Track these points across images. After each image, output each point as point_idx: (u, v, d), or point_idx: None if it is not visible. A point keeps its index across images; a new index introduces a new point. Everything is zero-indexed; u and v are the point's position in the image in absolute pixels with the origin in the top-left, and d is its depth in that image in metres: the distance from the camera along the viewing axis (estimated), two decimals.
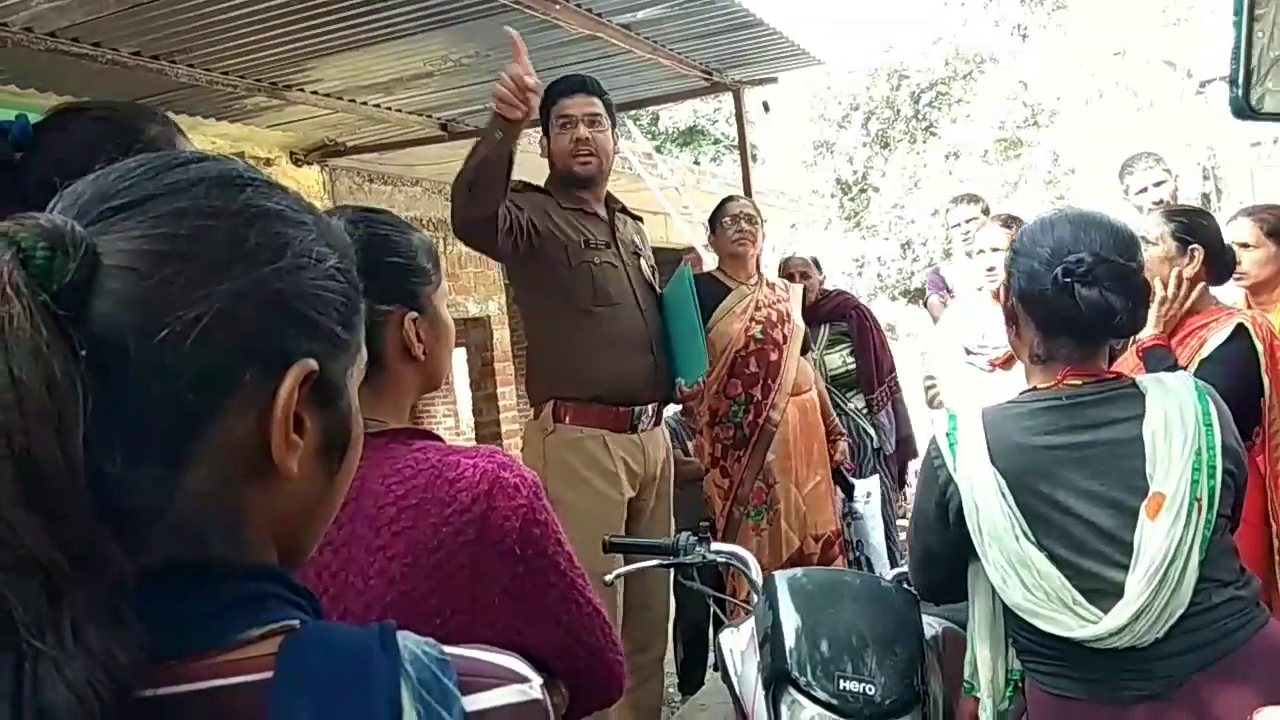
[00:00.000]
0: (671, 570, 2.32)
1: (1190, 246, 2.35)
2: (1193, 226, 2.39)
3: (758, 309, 3.53)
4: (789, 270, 4.39)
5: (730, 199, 3.91)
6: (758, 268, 3.74)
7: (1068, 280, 1.57)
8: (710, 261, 6.88)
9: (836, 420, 3.92)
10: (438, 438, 1.22)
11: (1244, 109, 0.72)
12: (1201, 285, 2.38)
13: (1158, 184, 3.73)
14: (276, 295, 0.57)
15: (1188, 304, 2.35)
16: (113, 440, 0.51)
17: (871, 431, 4.21)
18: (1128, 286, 1.60)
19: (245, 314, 0.55)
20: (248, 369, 0.56)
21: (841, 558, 3.60)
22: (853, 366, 4.21)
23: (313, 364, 0.58)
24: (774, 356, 3.46)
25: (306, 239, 0.60)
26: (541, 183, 2.94)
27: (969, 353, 3.36)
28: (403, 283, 1.24)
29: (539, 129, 3.00)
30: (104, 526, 0.50)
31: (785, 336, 3.50)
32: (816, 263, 4.63)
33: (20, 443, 0.47)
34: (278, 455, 0.57)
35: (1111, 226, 1.67)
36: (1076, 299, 1.57)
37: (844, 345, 4.29)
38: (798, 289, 3.80)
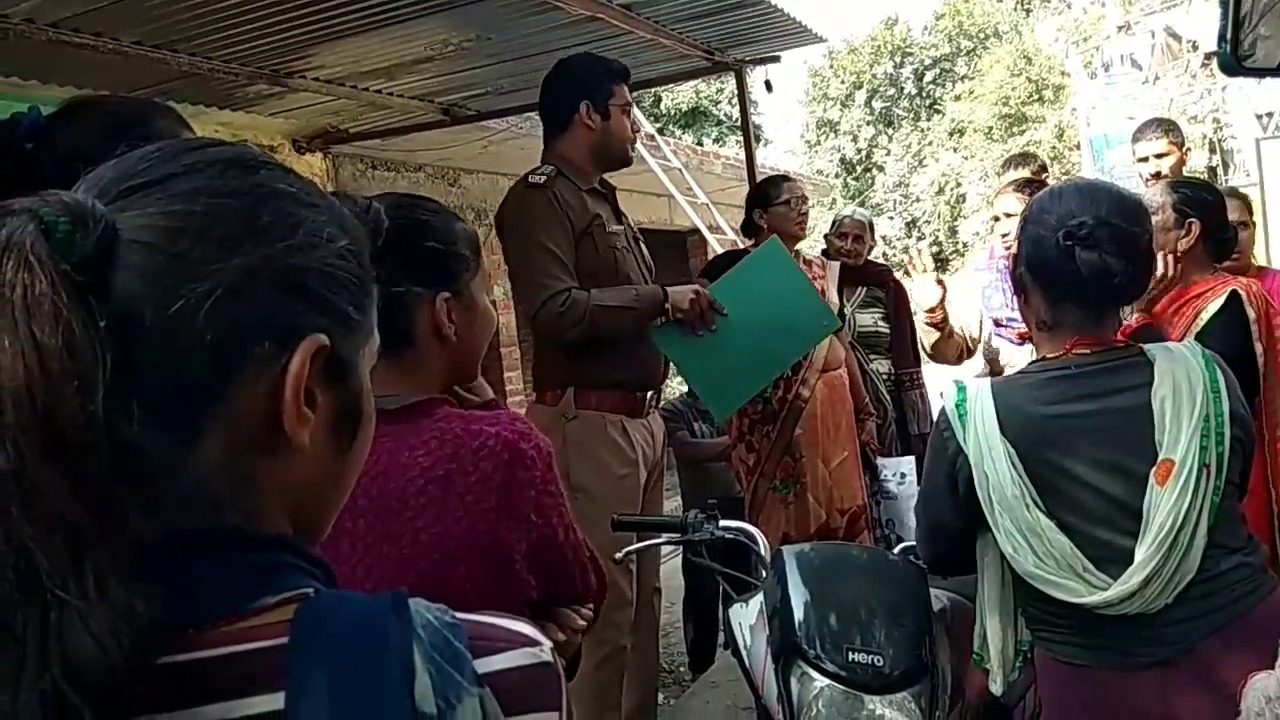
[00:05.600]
0: (682, 549, 2.34)
1: (1188, 220, 2.34)
2: (1194, 200, 2.37)
3: None
4: (841, 229, 4.27)
5: (785, 178, 3.89)
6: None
7: (1069, 244, 1.58)
8: (715, 244, 6.90)
9: (866, 399, 3.90)
10: (453, 402, 1.29)
11: (1232, 65, 0.72)
12: (1199, 258, 2.37)
13: (1159, 155, 3.68)
14: (288, 271, 0.59)
15: (1178, 280, 2.34)
16: (130, 406, 0.53)
17: (888, 397, 4.15)
18: (1129, 250, 1.60)
19: (258, 288, 0.58)
20: (260, 341, 0.58)
21: (867, 532, 3.61)
22: (884, 330, 4.12)
23: (324, 339, 0.60)
24: None
25: (318, 219, 0.62)
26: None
27: (998, 325, 3.35)
28: (439, 266, 1.30)
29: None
30: (123, 489, 0.51)
31: None
32: (871, 226, 4.47)
33: (44, 402, 0.49)
34: (289, 427, 0.58)
35: (1119, 195, 1.68)
36: (1077, 262, 1.57)
37: (877, 309, 4.19)
38: (834, 266, 3.79)
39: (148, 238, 0.55)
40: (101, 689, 0.48)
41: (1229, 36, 0.73)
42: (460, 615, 0.60)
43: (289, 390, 0.58)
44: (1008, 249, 3.32)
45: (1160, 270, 2.27)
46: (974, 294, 3.51)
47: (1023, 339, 3.08)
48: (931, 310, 3.08)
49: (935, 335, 3.21)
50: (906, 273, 3.38)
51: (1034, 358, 1.74)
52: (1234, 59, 0.74)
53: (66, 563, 0.49)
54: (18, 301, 0.50)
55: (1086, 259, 1.58)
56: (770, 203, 3.68)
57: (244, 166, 0.61)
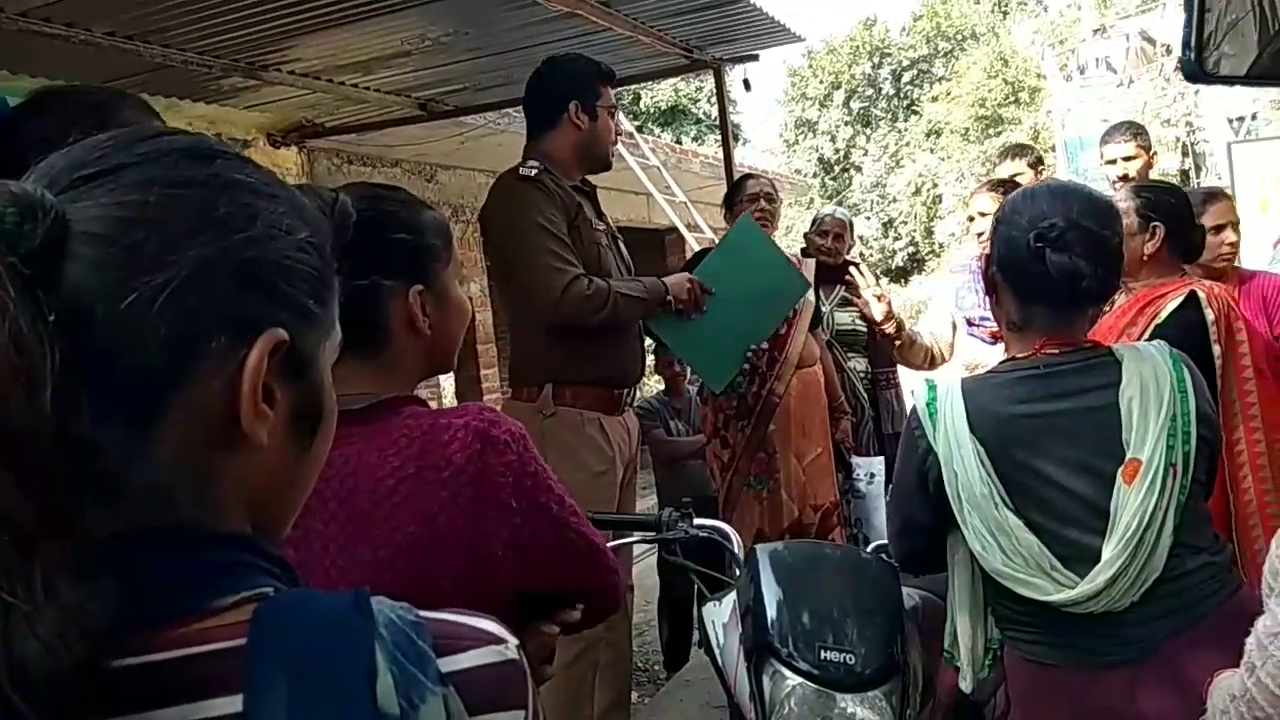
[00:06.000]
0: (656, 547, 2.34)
1: (1152, 224, 2.36)
2: (1156, 203, 2.39)
3: None
4: (822, 227, 4.29)
5: (748, 176, 3.95)
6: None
7: (1039, 245, 1.59)
8: (693, 243, 6.90)
9: (842, 397, 3.91)
10: (423, 402, 1.25)
11: (1196, 73, 0.72)
12: (1164, 261, 2.38)
13: (1127, 158, 3.71)
14: (245, 264, 0.58)
15: (1142, 282, 2.36)
16: (81, 402, 0.52)
17: (865, 395, 4.16)
18: (1098, 252, 1.61)
19: (213, 281, 0.56)
20: (216, 335, 0.56)
21: (840, 529, 3.62)
22: (861, 328, 4.12)
23: (282, 334, 0.59)
24: (782, 330, 3.47)
25: (276, 211, 0.61)
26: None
27: (970, 324, 3.37)
28: (410, 258, 1.26)
29: (519, 109, 3.01)
30: (74, 486, 0.50)
31: (795, 311, 3.52)
32: (851, 225, 4.50)
33: None
34: (247, 424, 0.57)
35: (1091, 197, 1.69)
36: (1047, 264, 1.59)
37: (855, 308, 4.22)
38: (810, 263, 3.80)
39: (99, 229, 0.54)
40: (49, 694, 0.47)
41: (1193, 44, 0.73)
42: (424, 614, 0.59)
43: (246, 386, 0.57)
44: (983, 248, 3.35)
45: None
46: (947, 296, 3.54)
47: (995, 338, 3.11)
48: (880, 323, 3.17)
49: (894, 344, 3.27)
50: (851, 285, 3.45)
51: (1004, 357, 1.75)
52: (1198, 67, 0.74)
53: (13, 563, 0.47)
54: None
55: (1056, 261, 1.59)
56: (734, 201, 3.79)
57: (200, 156, 0.60)
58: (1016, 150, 4.18)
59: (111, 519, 0.53)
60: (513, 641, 0.62)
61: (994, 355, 3.06)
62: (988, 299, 1.81)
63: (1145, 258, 2.36)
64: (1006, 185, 3.51)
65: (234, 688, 0.52)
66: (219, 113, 4.85)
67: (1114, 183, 3.61)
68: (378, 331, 1.23)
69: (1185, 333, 2.14)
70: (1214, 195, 3.21)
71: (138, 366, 0.54)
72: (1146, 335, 2.16)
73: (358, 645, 0.54)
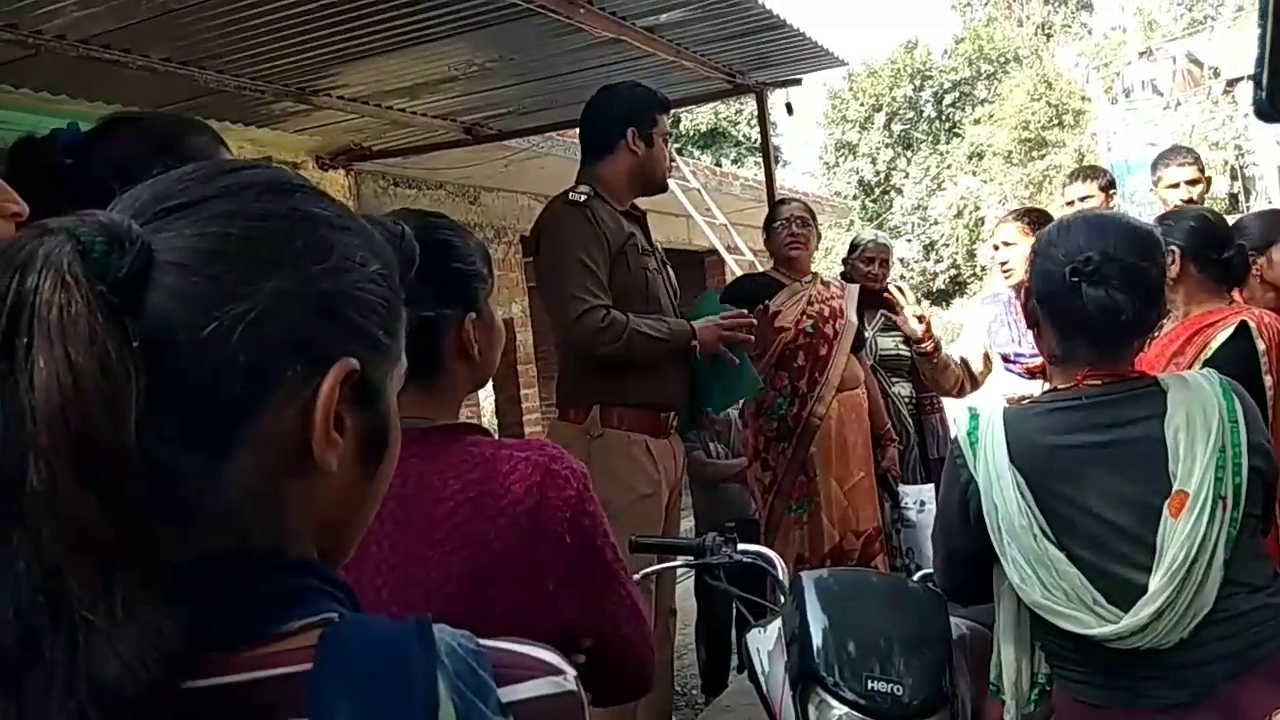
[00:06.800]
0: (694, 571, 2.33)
1: (1168, 247, 2.33)
2: (1174, 228, 2.35)
3: (810, 304, 3.56)
4: (866, 254, 4.20)
5: (783, 201, 3.94)
6: (809, 267, 3.78)
7: (1075, 280, 1.57)
8: (733, 265, 6.90)
9: (889, 425, 3.87)
10: (487, 431, 1.26)
11: (1266, 111, 0.70)
12: (1201, 285, 2.34)
13: (1191, 181, 3.63)
14: (321, 295, 0.59)
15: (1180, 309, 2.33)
16: (161, 428, 0.53)
17: (910, 420, 4.13)
18: (1136, 285, 1.58)
19: (290, 311, 0.57)
20: (291, 365, 0.57)
21: (882, 555, 3.58)
22: (905, 353, 4.09)
23: (354, 363, 0.60)
24: (823, 351, 3.47)
25: (351, 244, 0.62)
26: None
27: (1006, 360, 3.34)
28: (465, 287, 1.28)
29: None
30: (153, 510, 0.51)
31: (836, 332, 3.51)
32: (890, 250, 4.44)
33: (77, 423, 0.49)
34: (318, 451, 0.58)
35: (1128, 227, 1.67)
36: (1084, 298, 1.57)
37: (899, 332, 4.17)
38: (854, 288, 3.79)
39: (183, 259, 0.55)
40: (127, 712, 0.48)
41: (1264, 83, 0.71)
42: (484, 642, 0.60)
43: (319, 414, 0.58)
44: (1006, 277, 3.33)
45: None
46: (979, 326, 3.51)
47: (1031, 374, 3.09)
48: (920, 341, 3.17)
49: (929, 364, 3.25)
50: (892, 307, 3.44)
51: (1046, 389, 1.73)
52: (1270, 105, 0.72)
53: (96, 584, 0.48)
54: (53, 321, 0.50)
55: (1093, 295, 1.57)
56: (771, 225, 3.79)
57: (279, 190, 0.61)
58: (1088, 173, 4.07)
59: (185, 544, 0.54)
60: (571, 672, 0.62)
61: (1031, 389, 3.04)
62: (1029, 332, 1.79)
63: (1172, 281, 2.33)
64: (1033, 215, 3.49)
65: (299, 712, 0.53)
66: (269, 136, 4.95)
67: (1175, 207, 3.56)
68: (433, 360, 1.24)
69: (1238, 364, 2.11)
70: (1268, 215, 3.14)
71: (216, 394, 0.55)
72: (1198, 365, 2.12)
73: (419, 673, 0.55)
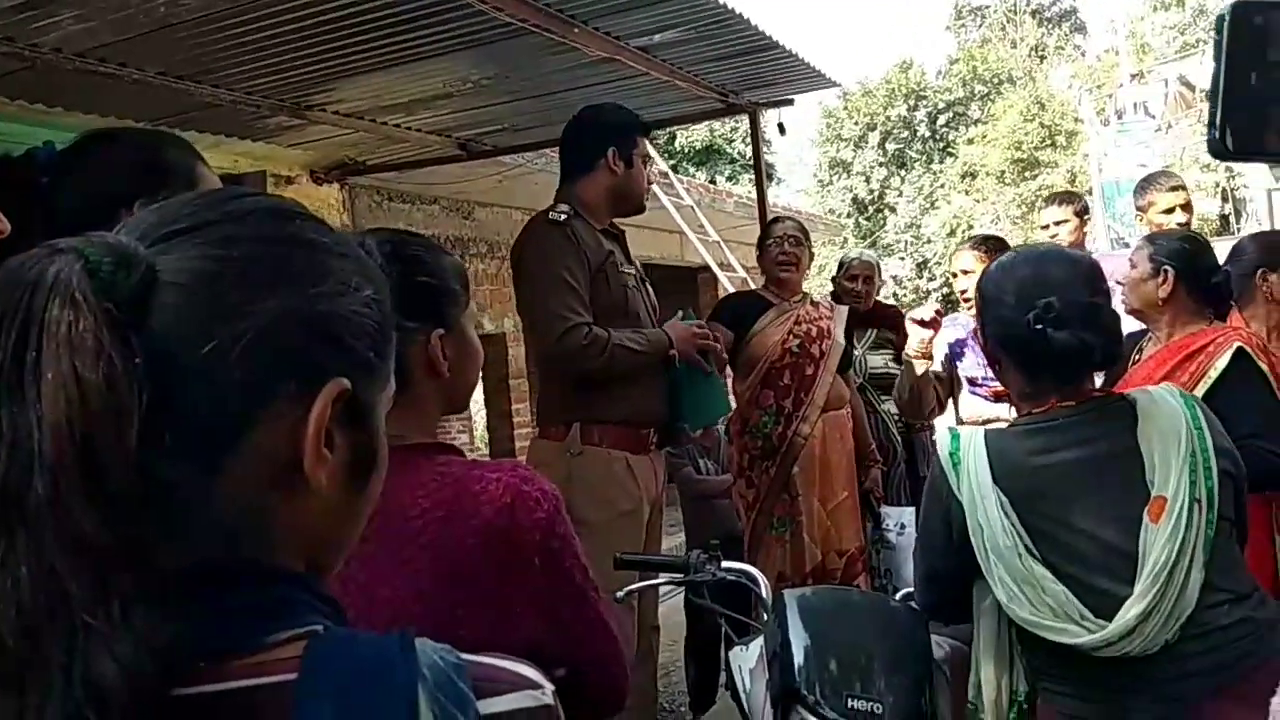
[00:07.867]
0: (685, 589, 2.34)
1: (1163, 267, 2.37)
2: (1169, 249, 2.40)
3: (798, 323, 3.57)
4: (851, 272, 4.28)
5: (777, 220, 3.94)
6: (800, 287, 3.81)
7: (1039, 327, 1.61)
8: (725, 282, 6.93)
9: (872, 445, 3.89)
10: (460, 452, 1.26)
11: (1220, 150, 0.72)
12: (1188, 307, 2.38)
13: (1184, 206, 3.62)
14: (316, 317, 0.62)
15: (1165, 330, 2.39)
16: (161, 440, 0.55)
17: (898, 439, 4.14)
18: (1097, 322, 1.64)
19: (287, 332, 0.60)
20: (286, 383, 0.60)
21: (865, 575, 3.59)
22: (894, 371, 4.10)
23: (346, 383, 0.62)
24: (809, 371, 3.48)
25: (346, 269, 0.65)
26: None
27: (972, 384, 3.37)
28: (431, 302, 1.27)
29: (555, 149, 3.06)
30: (149, 520, 0.54)
31: (823, 352, 3.52)
32: (878, 267, 4.49)
33: (82, 434, 0.51)
34: (309, 467, 0.60)
35: (1070, 260, 1.72)
36: (1051, 343, 1.61)
37: (888, 350, 4.18)
38: (843, 309, 3.81)
39: (185, 280, 0.58)
40: (119, 715, 0.50)
41: (1218, 122, 0.74)
42: (464, 656, 0.62)
43: (311, 431, 0.60)
44: (967, 305, 3.36)
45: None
46: (941, 346, 3.54)
47: (998, 397, 3.14)
48: (914, 355, 3.25)
49: (923, 366, 3.28)
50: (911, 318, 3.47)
51: (1015, 414, 1.77)
52: (1222, 143, 0.74)
53: (95, 589, 0.51)
54: (61, 337, 0.52)
55: (1060, 339, 1.61)
56: (763, 244, 3.79)
57: (279, 217, 0.64)
58: (1064, 198, 4.09)
59: (177, 553, 0.56)
60: (549, 687, 0.64)
61: (998, 411, 3.10)
62: (991, 368, 1.83)
63: (1161, 301, 2.37)
64: (990, 242, 3.55)
65: None
66: (264, 150, 4.97)
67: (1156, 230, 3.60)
68: (402, 375, 1.23)
69: (1251, 387, 2.16)
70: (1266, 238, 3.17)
71: (214, 409, 0.58)
72: (1201, 391, 2.15)
73: (401, 685, 0.57)
